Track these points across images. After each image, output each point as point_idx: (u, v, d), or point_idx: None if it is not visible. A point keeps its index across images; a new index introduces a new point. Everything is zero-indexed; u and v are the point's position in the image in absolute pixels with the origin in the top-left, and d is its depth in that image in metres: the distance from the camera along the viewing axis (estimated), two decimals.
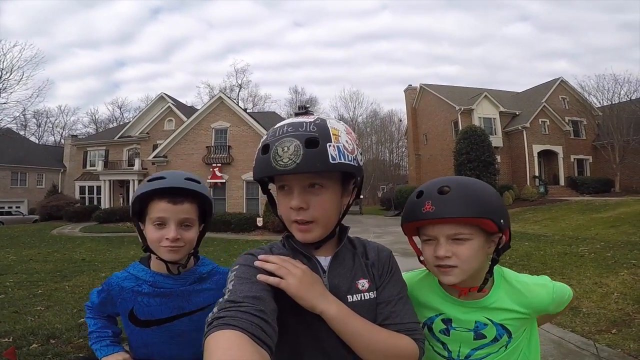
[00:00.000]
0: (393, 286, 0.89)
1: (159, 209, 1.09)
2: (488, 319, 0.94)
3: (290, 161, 0.73)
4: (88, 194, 27.47)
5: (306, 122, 0.78)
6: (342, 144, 0.78)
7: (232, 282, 0.74)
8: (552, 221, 13.99)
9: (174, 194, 1.09)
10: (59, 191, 29.22)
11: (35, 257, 9.64)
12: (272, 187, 0.92)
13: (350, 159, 0.79)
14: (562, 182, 24.39)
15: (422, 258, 0.98)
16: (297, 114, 0.85)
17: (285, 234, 0.91)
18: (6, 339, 3.62)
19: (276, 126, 0.82)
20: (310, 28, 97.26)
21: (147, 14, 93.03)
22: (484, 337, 0.95)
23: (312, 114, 0.84)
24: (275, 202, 0.89)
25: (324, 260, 0.87)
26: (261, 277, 0.75)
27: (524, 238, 10.47)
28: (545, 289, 0.98)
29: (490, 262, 0.93)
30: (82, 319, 4.22)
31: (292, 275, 0.75)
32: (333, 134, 0.78)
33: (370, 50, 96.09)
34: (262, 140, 0.81)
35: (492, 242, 0.92)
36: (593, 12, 78.41)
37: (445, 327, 0.98)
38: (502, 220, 0.88)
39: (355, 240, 0.96)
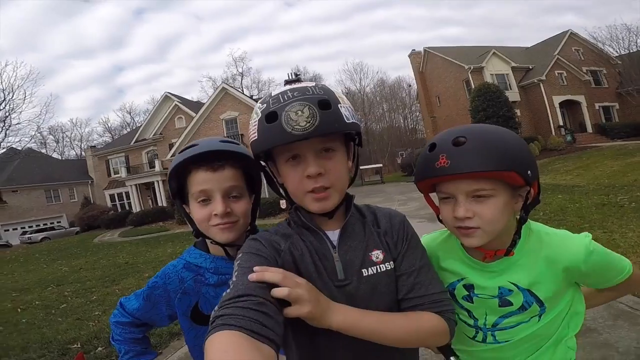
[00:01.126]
0: (412, 255, 0.83)
1: (199, 180, 0.94)
2: (513, 284, 0.84)
3: (308, 124, 0.69)
4: (119, 201, 28.58)
5: (310, 87, 0.75)
6: (348, 105, 0.77)
7: (235, 273, 0.71)
8: (585, 170, 12.99)
9: (212, 160, 0.93)
10: (92, 202, 30.62)
11: (84, 266, 10.22)
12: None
13: (356, 118, 0.78)
14: (589, 129, 23.51)
15: (441, 217, 0.88)
16: (288, 82, 0.85)
17: (290, 209, 0.85)
18: (75, 345, 3.90)
19: (274, 93, 0.76)
20: (302, 6, 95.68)
21: (131, 16, 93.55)
22: (510, 304, 0.85)
23: (302, 81, 0.82)
24: (274, 180, 0.84)
25: (332, 234, 0.82)
26: (275, 291, 0.66)
27: (556, 190, 9.72)
28: (579, 242, 0.82)
29: (518, 221, 0.82)
30: None
31: (301, 298, 0.66)
32: (339, 97, 0.76)
33: (369, 20, 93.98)
34: (260, 110, 0.75)
35: (519, 197, 0.80)
36: None
37: (468, 293, 0.89)
38: (529, 172, 0.76)
39: (364, 208, 0.90)
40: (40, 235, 25.65)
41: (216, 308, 0.63)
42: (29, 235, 26.03)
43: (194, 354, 1.06)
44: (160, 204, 24.65)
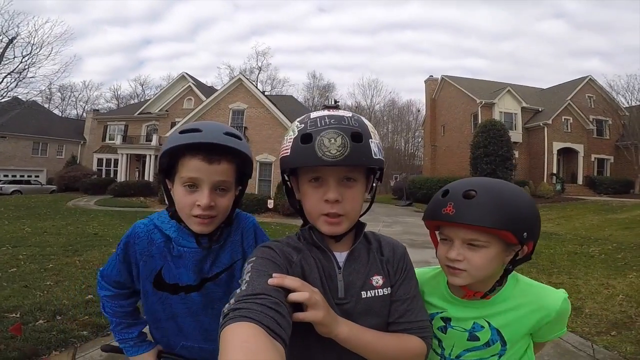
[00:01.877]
0: (408, 284, 0.90)
1: (191, 167, 0.92)
2: (486, 321, 0.93)
3: (338, 153, 0.74)
4: (105, 167, 28.12)
5: (347, 117, 0.80)
6: (378, 141, 0.82)
7: (249, 274, 0.74)
8: (566, 220, 13.75)
9: (210, 151, 0.92)
10: (78, 162, 30.16)
11: (50, 229, 9.80)
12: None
13: (382, 155, 0.83)
14: (580, 180, 23.86)
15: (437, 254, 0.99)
16: (327, 107, 0.86)
17: (303, 227, 0.90)
18: (14, 315, 3.64)
19: (313, 116, 0.81)
20: (334, 14, 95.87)
21: None
22: (477, 339, 0.94)
23: (340, 108, 0.87)
24: (293, 192, 0.89)
25: (340, 256, 0.87)
26: (295, 295, 0.70)
27: None
28: (558, 294, 0.93)
29: (504, 270, 0.91)
30: (89, 296, 4.31)
31: (318, 305, 0.71)
32: (371, 131, 0.81)
33: (395, 39, 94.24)
34: (298, 129, 0.80)
35: (512, 251, 0.88)
36: (633, 12, 74.43)
37: (444, 324, 0.98)
38: (524, 234, 0.83)
39: (370, 235, 0.95)
40: (12, 188, 24.67)
41: (232, 301, 0.65)
42: (1, 186, 24.85)
43: (151, 317, 1.09)
44: (146, 179, 24.32)
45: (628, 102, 24.60)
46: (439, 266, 1.03)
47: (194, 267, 1.03)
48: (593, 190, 22.36)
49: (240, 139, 0.98)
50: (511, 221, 0.82)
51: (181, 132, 0.93)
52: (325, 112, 0.81)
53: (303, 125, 0.80)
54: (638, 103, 23.57)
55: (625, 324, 3.75)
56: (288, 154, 0.80)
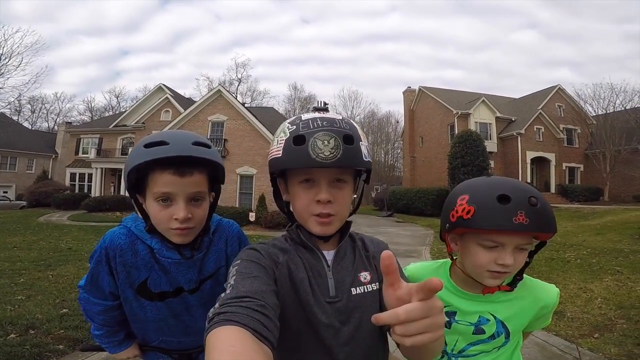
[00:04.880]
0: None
1: (163, 182, 0.90)
2: (492, 314, 0.96)
3: (331, 154, 0.75)
4: (79, 181, 27.09)
5: (338, 119, 0.81)
6: (367, 144, 0.84)
7: (234, 277, 0.73)
8: None
9: (181, 164, 0.89)
10: (49, 177, 28.90)
11: (20, 244, 9.46)
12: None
13: (370, 158, 0.85)
14: (552, 189, 24.67)
15: (455, 256, 1.00)
16: (317, 109, 0.87)
17: (290, 226, 0.90)
18: None
19: (304, 118, 0.82)
20: (317, 25, 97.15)
21: (157, 4, 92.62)
22: (483, 332, 0.96)
23: (329, 111, 0.87)
24: (280, 194, 0.89)
25: (328, 254, 0.88)
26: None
27: None
28: (554, 288, 1.01)
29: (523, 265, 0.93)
30: (64, 310, 4.17)
31: (440, 325, 0.53)
32: (361, 134, 0.82)
33: (376, 51, 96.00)
34: (289, 131, 0.80)
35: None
36: (601, 23, 78.97)
37: (448, 319, 0.98)
38: None
39: (353, 234, 0.97)
40: None
41: (216, 305, 0.64)
42: None
43: (132, 318, 1.09)
44: (121, 193, 23.59)
45: (595, 111, 25.65)
46: (439, 260, 1.08)
47: (180, 276, 1.04)
48: (565, 198, 23.19)
49: (209, 147, 0.95)
50: (554, 224, 0.85)
51: (146, 146, 0.89)
52: (317, 114, 0.82)
53: (295, 127, 0.80)
54: (604, 112, 24.63)
55: (606, 326, 3.86)
56: (280, 155, 0.80)
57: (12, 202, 25.64)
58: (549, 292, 0.99)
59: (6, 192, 28.76)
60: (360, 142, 0.80)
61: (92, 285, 1.05)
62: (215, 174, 1.00)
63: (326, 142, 0.75)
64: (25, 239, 10.63)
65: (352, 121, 0.85)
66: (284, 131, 0.81)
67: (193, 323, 1.08)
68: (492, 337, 0.96)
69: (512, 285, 0.94)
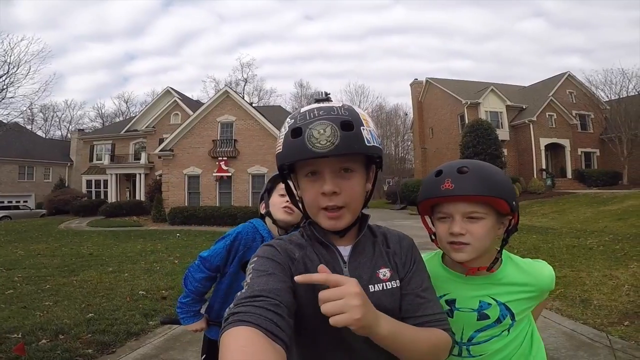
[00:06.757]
0: (419, 276, 0.87)
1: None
2: (492, 298, 0.96)
3: (328, 143, 0.72)
4: (95, 188, 27.71)
5: (336, 107, 0.78)
6: (372, 129, 0.80)
7: (250, 275, 0.73)
8: (560, 214, 13.90)
9: None
10: (66, 185, 29.58)
11: (43, 251, 9.69)
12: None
13: (378, 142, 0.81)
14: (569, 174, 24.27)
15: (433, 237, 1.02)
16: (318, 100, 0.83)
17: (304, 222, 0.89)
18: (15, 335, 3.59)
19: (302, 110, 0.79)
20: (322, 21, 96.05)
21: (159, 6, 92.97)
22: (488, 317, 0.96)
23: (332, 100, 0.84)
24: (293, 192, 0.89)
25: (344, 250, 0.85)
26: (323, 293, 0.63)
27: (532, 231, 10.37)
28: (548, 267, 1.03)
29: (501, 243, 0.98)
30: (90, 314, 4.25)
31: (354, 306, 0.61)
32: (363, 119, 0.78)
33: (382, 45, 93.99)
34: (288, 125, 0.78)
35: (502, 224, 0.95)
36: (608, 9, 76.45)
37: (449, 308, 0.98)
38: (514, 202, 0.91)
39: (375, 228, 0.93)
40: (1, 214, 23.98)
41: (231, 305, 0.64)
42: None
43: (229, 296, 1.47)
44: (138, 198, 23.96)
45: (608, 96, 25.15)
46: (432, 251, 1.11)
47: None
48: (583, 184, 22.78)
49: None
50: (503, 191, 0.90)
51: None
52: (315, 105, 0.80)
53: (293, 120, 0.78)
54: (617, 97, 24.10)
55: (636, 314, 3.78)
56: (281, 150, 0.79)
57: (32, 211, 26.30)
58: (546, 270, 1.02)
59: (26, 202, 29.44)
60: (362, 127, 0.76)
61: (211, 256, 1.46)
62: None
63: (322, 131, 0.72)
64: (47, 246, 10.90)
65: (353, 107, 0.81)
66: (285, 126, 0.80)
67: None
68: (498, 320, 0.96)
69: (492, 264, 0.96)
